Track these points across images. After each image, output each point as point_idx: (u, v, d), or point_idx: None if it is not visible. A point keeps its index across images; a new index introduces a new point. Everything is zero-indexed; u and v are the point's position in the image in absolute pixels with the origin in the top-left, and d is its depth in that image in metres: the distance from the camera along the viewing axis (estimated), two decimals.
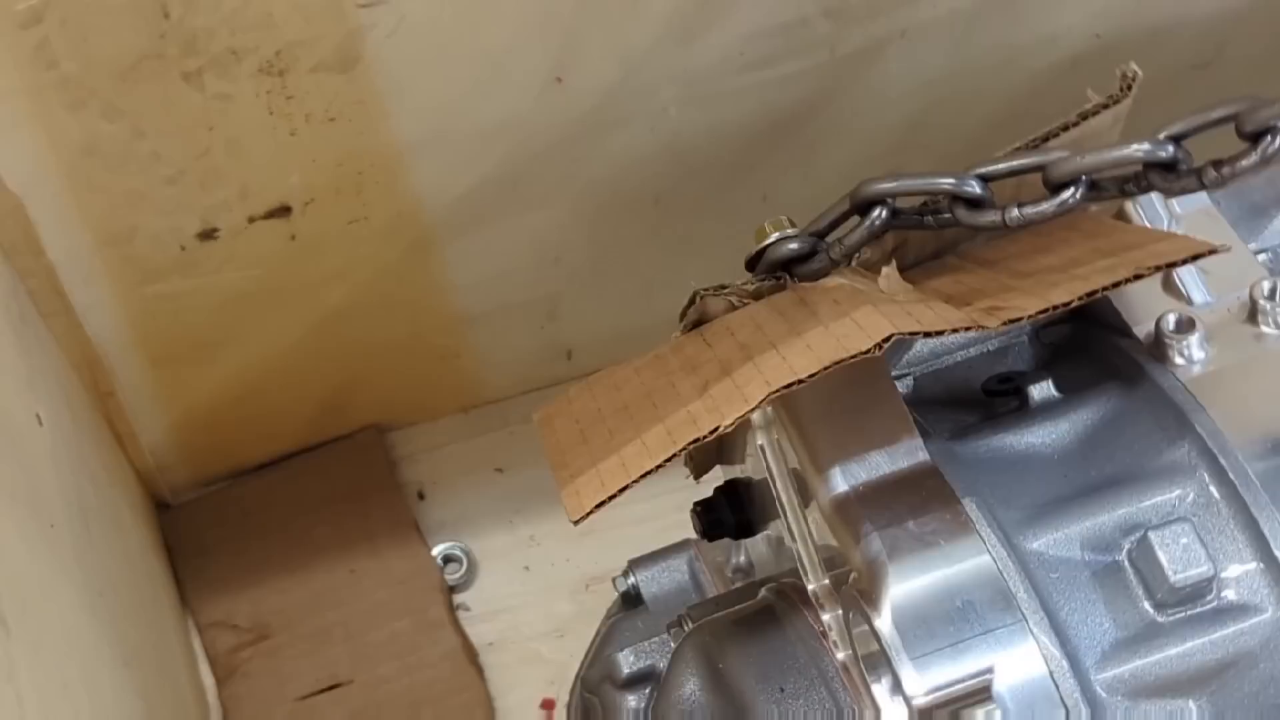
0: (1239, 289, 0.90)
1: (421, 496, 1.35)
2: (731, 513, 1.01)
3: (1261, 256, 0.95)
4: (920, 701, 0.78)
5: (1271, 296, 0.88)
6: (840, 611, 0.87)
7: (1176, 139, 0.80)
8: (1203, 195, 0.93)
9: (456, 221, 1.11)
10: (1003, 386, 0.91)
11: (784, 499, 0.89)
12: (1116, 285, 0.82)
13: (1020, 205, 0.83)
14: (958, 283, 0.88)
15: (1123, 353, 0.89)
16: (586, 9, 0.97)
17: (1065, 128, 0.91)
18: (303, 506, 1.32)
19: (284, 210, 1.03)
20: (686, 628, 1.00)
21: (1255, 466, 0.83)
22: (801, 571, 0.89)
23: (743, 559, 1.15)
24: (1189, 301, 0.90)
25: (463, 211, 1.10)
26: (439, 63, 0.97)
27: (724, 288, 0.90)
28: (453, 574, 1.31)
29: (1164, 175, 0.81)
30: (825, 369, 0.78)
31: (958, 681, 0.78)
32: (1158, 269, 0.82)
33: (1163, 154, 0.80)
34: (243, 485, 1.33)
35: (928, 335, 0.80)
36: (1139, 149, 0.81)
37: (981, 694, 0.78)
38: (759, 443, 0.90)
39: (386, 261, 1.12)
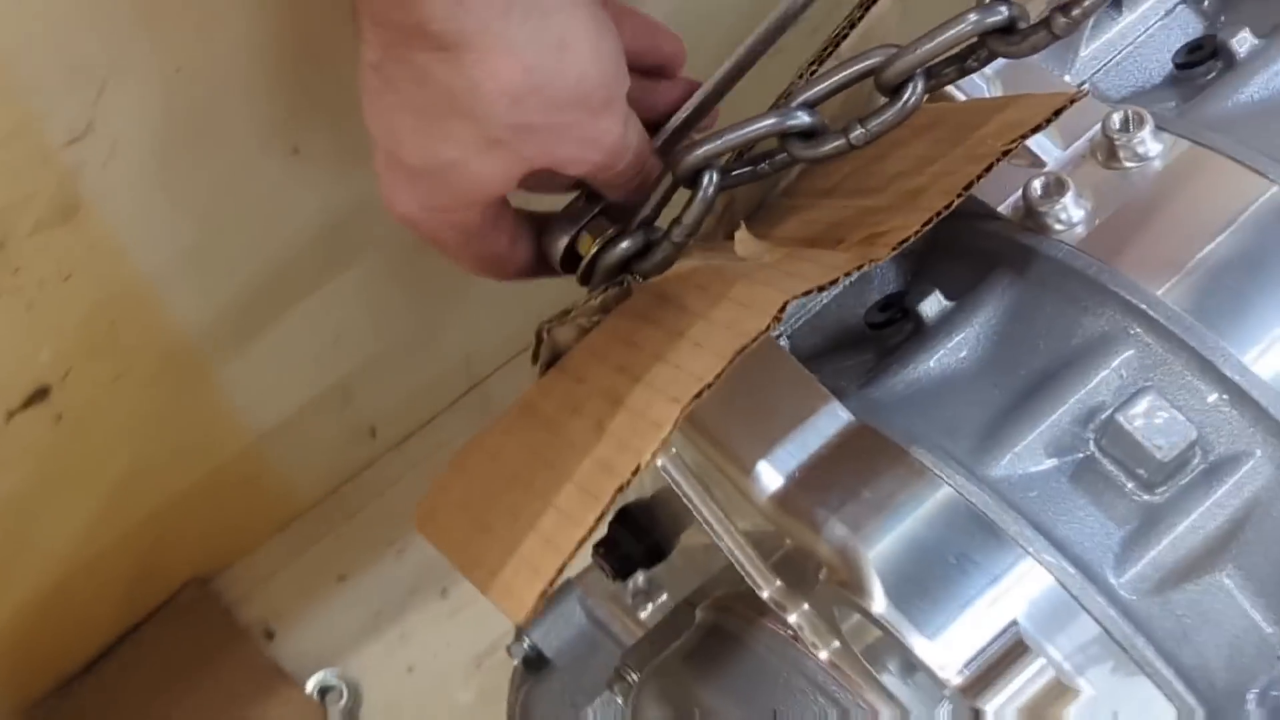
0: (1087, 131, 0.83)
1: (270, 636, 1.22)
2: (636, 542, 0.92)
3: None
4: (959, 680, 0.70)
5: (1124, 128, 0.82)
6: (808, 608, 0.78)
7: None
8: None
9: (225, 340, 0.99)
10: (888, 314, 0.83)
11: (708, 516, 0.80)
12: (989, 170, 0.74)
13: (863, 121, 0.75)
14: (809, 223, 0.80)
15: (997, 236, 0.81)
16: (306, 75, 0.86)
17: (851, 25, 0.84)
18: (149, 692, 1.19)
19: (42, 393, 0.90)
20: (631, 679, 0.91)
21: (1182, 305, 0.77)
22: (751, 583, 0.81)
23: (640, 581, 1.06)
24: (1042, 163, 0.83)
25: (228, 327, 0.98)
26: (165, 177, 0.85)
27: (567, 313, 0.80)
28: (335, 704, 1.19)
29: (1006, 39, 0.74)
30: (729, 363, 0.69)
31: (988, 644, 0.70)
32: (1024, 137, 0.75)
33: (999, 18, 0.73)
34: (77, 694, 1.19)
35: (821, 290, 0.71)
36: (972, 20, 0.74)
37: (1017, 649, 0.70)
38: (658, 463, 0.81)
39: (162, 409, 1.00)
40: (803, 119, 0.76)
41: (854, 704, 0.78)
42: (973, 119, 0.78)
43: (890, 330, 0.83)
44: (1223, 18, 0.90)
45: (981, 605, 0.71)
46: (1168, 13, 0.91)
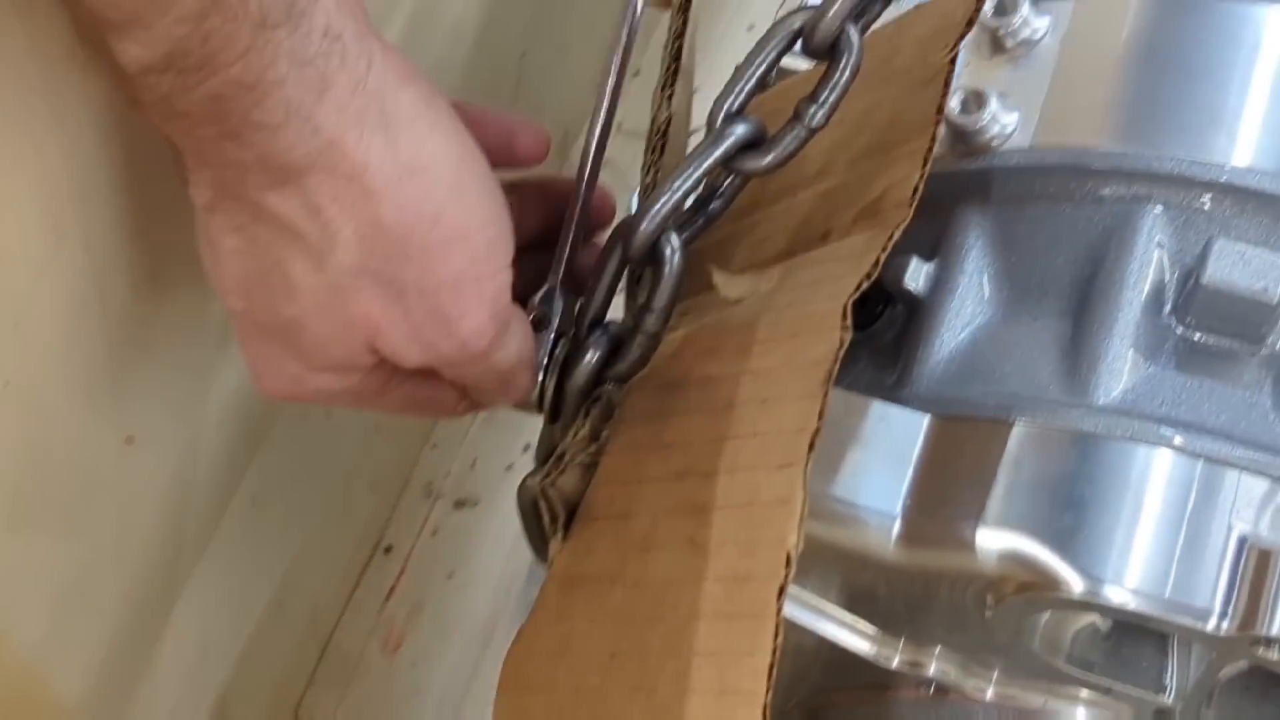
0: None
1: None
2: None
3: None
4: (1227, 624, 0.60)
5: (1001, 13, 0.74)
6: (942, 651, 0.68)
7: None
8: None
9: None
10: (875, 309, 0.72)
11: (802, 607, 0.69)
12: (947, 85, 0.65)
13: (813, 98, 0.64)
14: (768, 238, 0.70)
15: (942, 177, 0.71)
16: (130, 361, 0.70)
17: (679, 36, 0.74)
18: None
19: None
20: None
21: (1166, 148, 0.69)
22: (872, 657, 0.69)
23: None
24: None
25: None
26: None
27: (558, 458, 0.67)
28: None
29: None
30: (825, 398, 0.58)
31: (1231, 573, 0.61)
32: (961, 36, 0.65)
33: None
34: None
35: (869, 279, 0.60)
36: None
37: (1263, 560, 0.60)
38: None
39: None
40: (742, 130, 0.65)
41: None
42: (886, 53, 0.69)
43: (881, 325, 0.72)
44: None
45: (1194, 535, 0.61)
46: None
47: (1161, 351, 0.66)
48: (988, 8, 0.74)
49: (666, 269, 0.65)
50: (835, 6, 0.64)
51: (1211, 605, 0.60)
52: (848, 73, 0.65)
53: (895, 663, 0.70)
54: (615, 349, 0.67)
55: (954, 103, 0.72)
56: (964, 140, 0.72)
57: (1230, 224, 0.67)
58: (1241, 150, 0.69)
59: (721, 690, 0.57)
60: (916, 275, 0.71)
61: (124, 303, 0.68)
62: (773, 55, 0.65)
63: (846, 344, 0.59)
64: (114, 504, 0.74)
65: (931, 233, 0.72)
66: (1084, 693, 0.69)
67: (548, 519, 0.66)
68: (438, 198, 0.60)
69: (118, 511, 0.75)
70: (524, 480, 0.68)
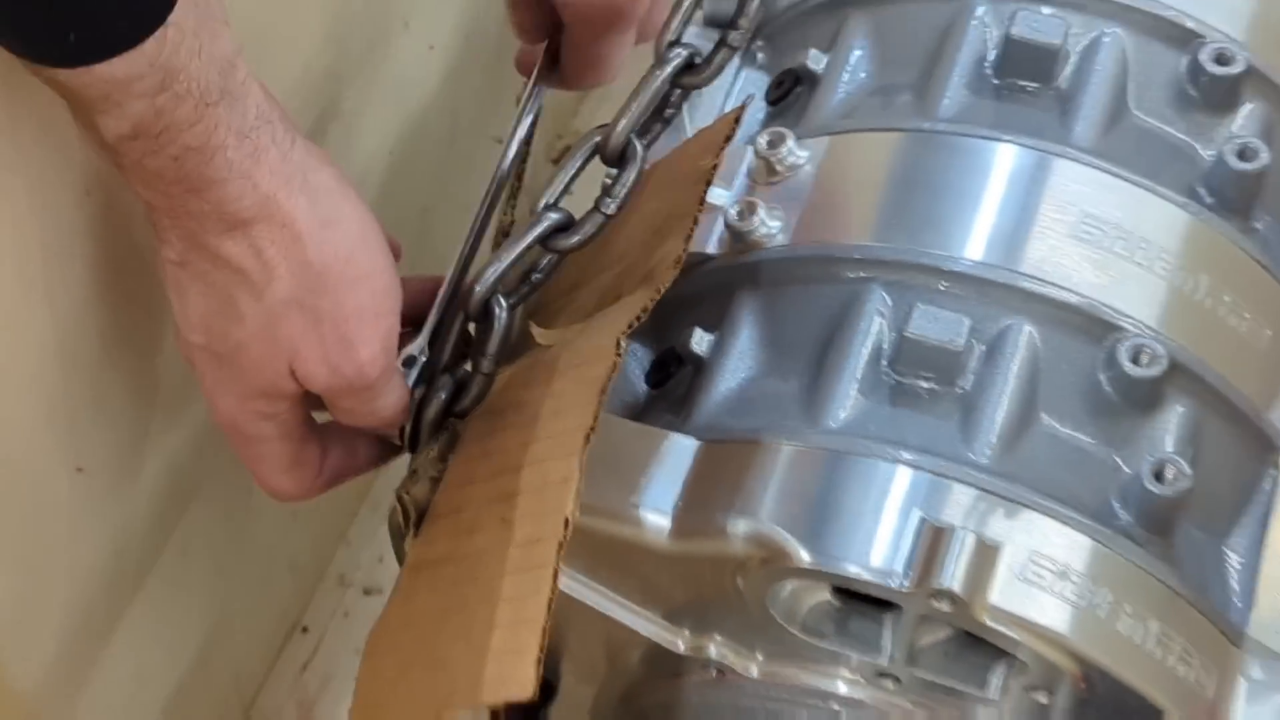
0: (742, 166, 0.95)
1: None
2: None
3: None
4: (909, 580, 0.79)
5: (773, 146, 0.95)
6: (720, 639, 0.86)
7: (676, 41, 0.86)
8: None
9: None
10: (667, 370, 0.92)
11: (598, 599, 0.87)
12: (708, 182, 0.86)
13: (607, 192, 0.85)
14: (581, 306, 0.89)
15: (722, 269, 0.92)
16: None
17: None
18: None
19: None
20: None
21: (891, 241, 0.90)
22: (663, 641, 0.88)
23: None
24: (719, 206, 0.95)
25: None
26: None
27: (412, 472, 0.86)
28: None
29: (694, 74, 0.86)
30: (599, 404, 0.77)
31: (914, 543, 0.80)
32: (721, 148, 0.86)
33: (680, 59, 0.86)
34: None
35: (639, 319, 0.80)
36: (664, 71, 0.86)
37: (937, 535, 0.80)
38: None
39: None
40: (555, 217, 0.86)
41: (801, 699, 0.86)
42: (672, 165, 0.90)
43: (674, 382, 0.92)
44: (784, 57, 1.05)
45: (887, 518, 0.81)
46: (734, 77, 1.06)
47: (878, 390, 0.86)
48: (762, 141, 0.95)
49: (496, 324, 0.85)
50: (622, 123, 0.85)
51: (896, 567, 0.79)
52: (634, 174, 0.86)
53: (682, 648, 0.89)
54: (460, 390, 0.87)
55: (733, 211, 0.92)
56: (740, 239, 0.92)
57: (933, 296, 0.87)
58: (952, 243, 0.89)
59: (516, 622, 0.75)
60: (701, 342, 0.91)
61: (82, 350, 0.87)
62: (579, 162, 0.86)
63: (620, 366, 0.78)
64: (65, 528, 0.92)
65: (716, 310, 0.92)
66: (844, 671, 0.87)
67: (402, 521, 0.85)
68: (349, 245, 0.80)
69: (67, 534, 0.93)
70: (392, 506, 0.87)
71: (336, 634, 1.31)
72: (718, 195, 0.94)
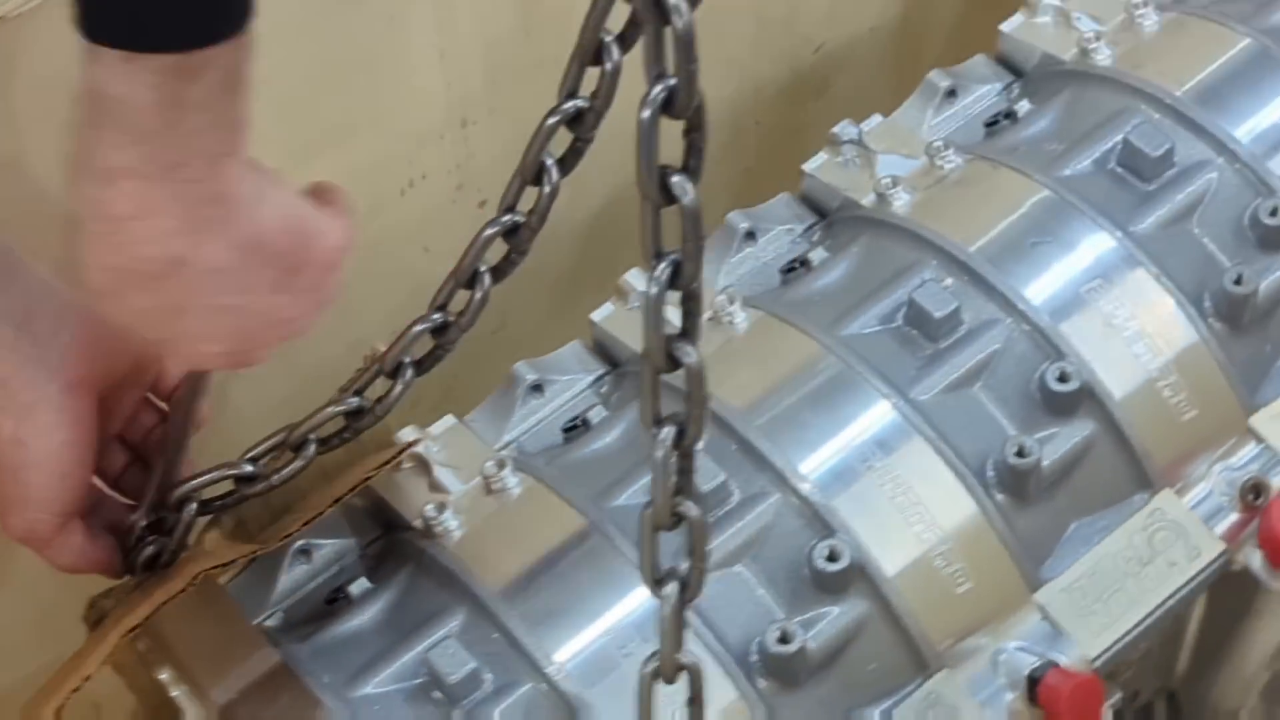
0: (481, 464, 1.24)
1: None
2: None
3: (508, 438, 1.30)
4: None
5: (499, 469, 1.23)
6: None
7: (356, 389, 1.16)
8: (449, 418, 1.28)
9: None
10: (337, 595, 1.23)
11: None
12: (330, 508, 1.16)
13: (276, 472, 1.16)
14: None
15: (406, 542, 1.22)
16: None
17: None
18: None
19: None
20: None
21: (513, 604, 1.17)
22: None
23: None
24: (446, 490, 1.24)
25: None
26: None
27: (106, 592, 1.20)
28: None
29: (356, 419, 1.16)
30: (155, 609, 1.10)
31: None
32: (353, 489, 1.17)
33: (350, 407, 1.16)
34: None
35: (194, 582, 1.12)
36: (332, 409, 1.16)
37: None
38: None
39: None
40: (246, 468, 1.17)
41: None
42: (354, 468, 1.20)
43: (340, 605, 1.23)
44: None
45: None
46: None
47: (405, 685, 1.15)
48: (488, 464, 1.23)
49: (181, 520, 1.17)
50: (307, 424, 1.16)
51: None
52: (305, 462, 1.16)
53: None
54: (157, 555, 1.20)
55: (430, 508, 1.21)
56: (429, 528, 1.21)
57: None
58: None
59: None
60: (359, 587, 1.20)
61: None
62: (276, 442, 1.18)
63: (189, 588, 1.10)
64: None
65: (394, 570, 1.22)
66: None
67: (94, 620, 1.21)
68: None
69: None
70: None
71: None
72: (447, 478, 1.24)
